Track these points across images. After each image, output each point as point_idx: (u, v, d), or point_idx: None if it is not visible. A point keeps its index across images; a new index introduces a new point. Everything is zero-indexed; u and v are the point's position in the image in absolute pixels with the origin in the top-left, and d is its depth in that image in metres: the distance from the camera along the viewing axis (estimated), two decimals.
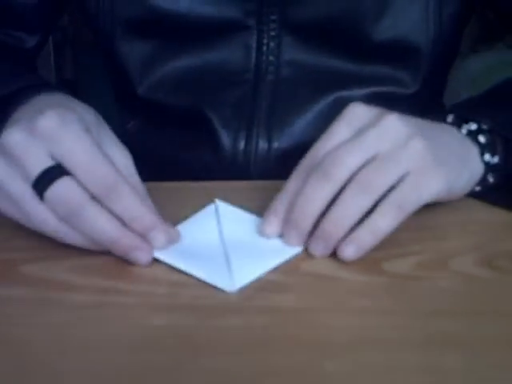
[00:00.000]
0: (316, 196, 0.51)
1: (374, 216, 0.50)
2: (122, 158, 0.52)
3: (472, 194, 0.57)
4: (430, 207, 0.53)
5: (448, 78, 0.83)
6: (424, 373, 0.41)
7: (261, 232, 0.54)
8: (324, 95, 0.74)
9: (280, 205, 0.53)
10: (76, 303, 0.47)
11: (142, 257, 0.50)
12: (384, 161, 0.51)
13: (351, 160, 0.51)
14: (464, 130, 0.57)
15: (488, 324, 0.45)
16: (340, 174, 0.51)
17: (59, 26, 0.81)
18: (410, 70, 0.74)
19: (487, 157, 0.56)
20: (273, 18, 0.73)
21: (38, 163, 0.49)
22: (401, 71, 0.74)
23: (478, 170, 0.56)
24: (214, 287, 0.48)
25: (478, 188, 0.57)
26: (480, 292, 0.48)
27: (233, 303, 0.47)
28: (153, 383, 0.40)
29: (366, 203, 0.50)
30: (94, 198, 0.49)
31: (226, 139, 0.74)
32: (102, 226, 0.49)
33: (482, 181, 0.57)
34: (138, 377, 0.41)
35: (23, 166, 0.49)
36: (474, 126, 0.57)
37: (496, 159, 0.57)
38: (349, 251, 0.50)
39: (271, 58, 0.74)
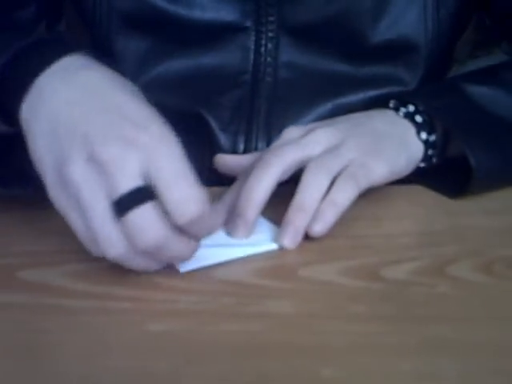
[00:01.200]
0: (259, 184, 0.55)
1: (333, 191, 0.55)
2: None
3: (419, 172, 0.62)
4: (427, 213, 0.53)
5: None
6: (421, 379, 0.41)
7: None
8: (322, 97, 0.74)
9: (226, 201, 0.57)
10: (74, 309, 0.47)
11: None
12: (329, 152, 0.56)
13: (290, 154, 0.56)
14: (401, 113, 0.62)
15: (485, 330, 0.45)
16: (279, 163, 0.55)
17: (56, 31, 0.79)
18: (409, 67, 0.74)
19: (423, 135, 0.62)
20: (271, 18, 0.72)
21: (128, 180, 0.46)
22: (399, 69, 0.74)
23: (417, 147, 0.62)
24: (212, 292, 0.49)
25: (422, 164, 0.62)
26: (477, 298, 0.49)
27: (230, 309, 0.47)
28: None
29: (326, 183, 0.54)
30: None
31: (224, 142, 0.74)
32: (183, 256, 0.49)
33: (425, 158, 0.62)
34: (135, 383, 0.41)
35: (112, 179, 0.46)
36: (411, 108, 0.63)
37: (433, 137, 0.62)
38: (316, 227, 0.54)
39: (269, 59, 0.73)
